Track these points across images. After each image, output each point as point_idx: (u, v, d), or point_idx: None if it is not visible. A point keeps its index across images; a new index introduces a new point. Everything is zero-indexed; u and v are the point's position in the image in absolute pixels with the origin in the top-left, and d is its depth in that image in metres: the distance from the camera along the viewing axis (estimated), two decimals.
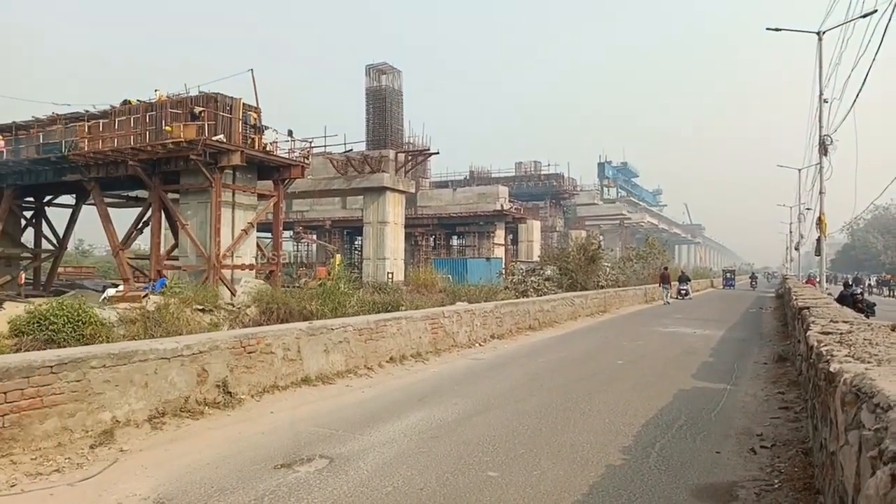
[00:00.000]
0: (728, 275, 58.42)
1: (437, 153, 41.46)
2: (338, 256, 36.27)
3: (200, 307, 14.61)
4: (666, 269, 33.03)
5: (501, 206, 47.28)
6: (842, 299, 12.58)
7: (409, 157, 40.63)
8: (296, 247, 50.33)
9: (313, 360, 8.01)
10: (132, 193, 29.98)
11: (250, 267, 24.90)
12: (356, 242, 52.60)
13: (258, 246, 27.01)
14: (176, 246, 25.46)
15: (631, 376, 9.09)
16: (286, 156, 26.39)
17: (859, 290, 16.16)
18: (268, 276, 25.62)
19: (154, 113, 23.91)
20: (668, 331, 15.93)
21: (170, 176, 24.37)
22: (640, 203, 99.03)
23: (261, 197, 26.25)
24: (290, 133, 27.55)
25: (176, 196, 25.24)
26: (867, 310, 11.94)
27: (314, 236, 49.13)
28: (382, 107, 47.71)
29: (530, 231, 53.05)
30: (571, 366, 10.05)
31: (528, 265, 32.73)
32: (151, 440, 5.55)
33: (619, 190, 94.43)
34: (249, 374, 6.93)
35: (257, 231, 27.77)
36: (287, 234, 43.24)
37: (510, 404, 7.11)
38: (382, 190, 36.97)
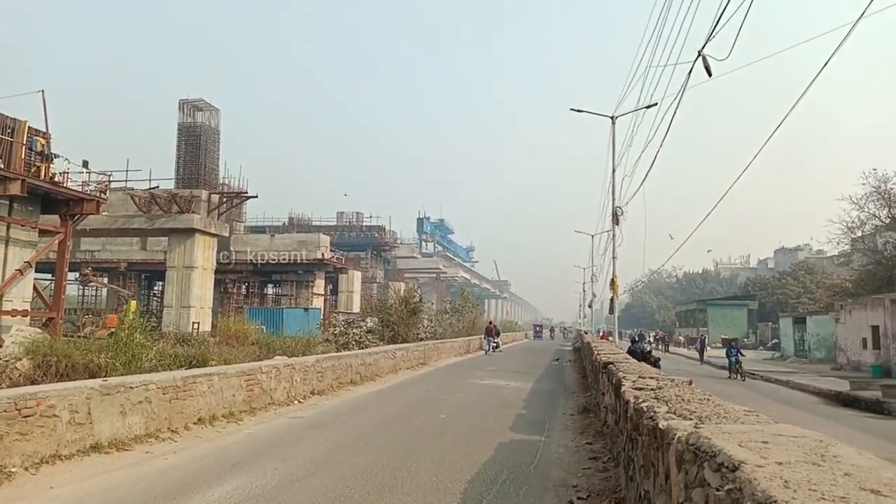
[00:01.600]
0: (537, 328, 78.35)
1: (256, 196, 39.93)
2: (133, 303, 32.61)
3: None
4: (491, 322, 37.86)
5: (322, 254, 46.45)
6: (632, 353, 14.10)
7: (224, 199, 38.55)
8: (81, 291, 44.43)
9: (106, 424, 6.93)
10: None
11: (23, 313, 21.42)
12: (156, 288, 48.00)
13: (36, 289, 23.38)
14: None
15: (453, 430, 9.17)
16: (78, 189, 23.54)
17: (648, 348, 18.22)
18: (46, 324, 22.23)
19: None
20: (483, 383, 16.53)
21: None
22: (455, 258, 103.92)
23: (43, 233, 22.96)
24: (85, 164, 24.74)
25: None
26: (655, 364, 13.49)
27: (105, 279, 43.89)
28: (196, 144, 45.07)
29: (351, 281, 52.68)
30: (396, 421, 9.89)
31: (348, 316, 32.30)
32: None
33: (437, 245, 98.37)
34: (24, 443, 5.77)
35: (36, 272, 24.13)
36: (73, 276, 38.05)
37: (335, 466, 6.74)
38: (191, 232, 34.39)
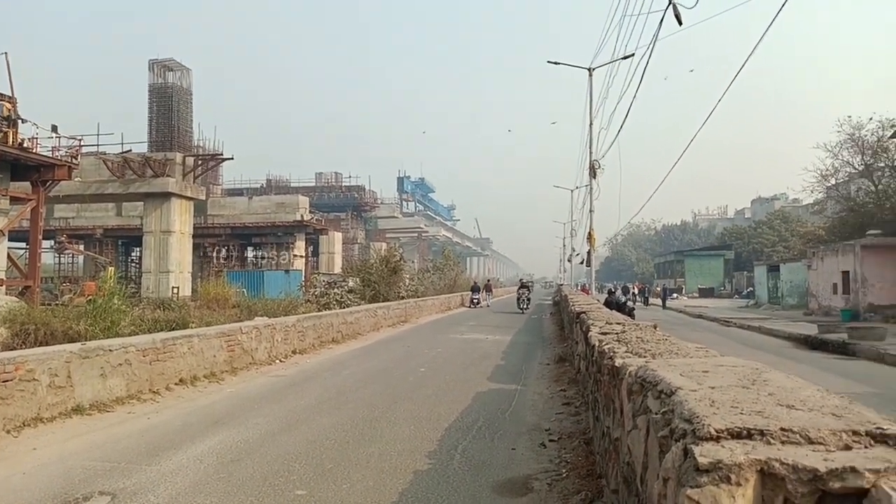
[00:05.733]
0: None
1: (231, 158, 39.35)
2: (110, 269, 32.32)
3: None
4: (489, 280, 43.34)
5: (302, 216, 46.14)
6: (608, 304, 14.43)
7: (200, 162, 37.90)
8: (58, 259, 43.84)
9: (87, 387, 7.01)
10: None
11: None
12: (134, 254, 47.51)
13: (10, 258, 23.08)
14: None
15: (433, 383, 9.40)
16: (49, 154, 23.05)
17: (624, 298, 18.56)
18: (22, 293, 22.03)
19: None
20: (464, 338, 16.83)
21: None
22: (437, 217, 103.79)
23: (14, 200, 22.54)
24: (54, 128, 24.20)
25: None
26: (630, 314, 13.83)
27: (81, 247, 43.31)
28: (168, 106, 43.95)
29: (332, 243, 52.52)
30: (376, 377, 10.10)
31: (329, 277, 32.38)
32: None
33: (417, 204, 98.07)
34: (5, 407, 5.83)
35: (9, 241, 23.78)
36: (48, 243, 37.48)
37: (316, 419, 6.92)
38: (167, 196, 33.90)
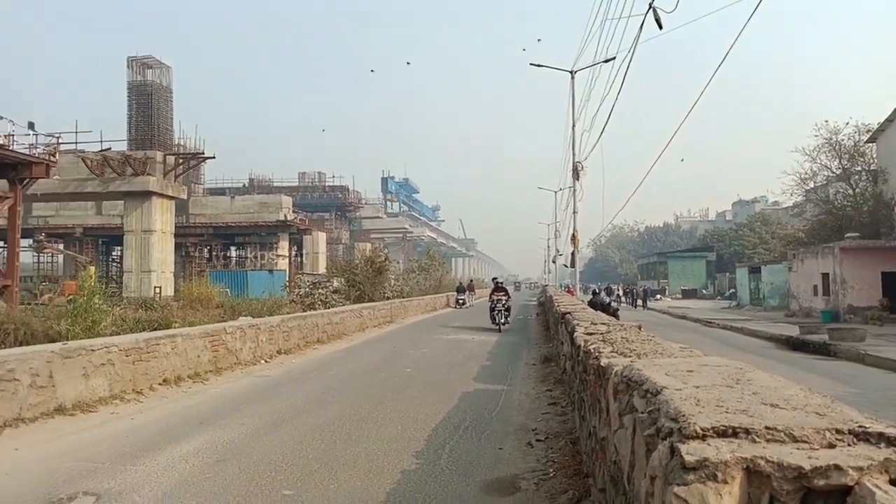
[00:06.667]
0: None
1: (213, 157, 39.04)
2: (91, 269, 31.89)
3: None
4: (472, 280, 45.37)
5: (285, 216, 45.92)
6: (592, 305, 14.53)
7: (181, 160, 37.55)
8: (37, 258, 43.19)
9: (70, 387, 6.93)
10: None
11: None
12: (115, 253, 46.99)
13: None
14: None
15: (419, 383, 9.41)
16: (26, 152, 22.71)
17: (608, 300, 18.62)
18: (0, 293, 21.67)
19: None
20: (449, 338, 16.85)
21: None
22: (421, 218, 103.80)
23: None
24: (30, 125, 23.91)
25: None
26: (614, 314, 13.92)
27: (61, 246, 42.72)
28: (148, 104, 43.55)
29: (316, 243, 52.32)
30: (362, 377, 10.09)
31: (314, 278, 32.26)
32: None
33: (402, 205, 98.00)
34: None
35: None
36: (26, 242, 36.93)
37: (302, 419, 6.90)
38: (148, 195, 33.57)
